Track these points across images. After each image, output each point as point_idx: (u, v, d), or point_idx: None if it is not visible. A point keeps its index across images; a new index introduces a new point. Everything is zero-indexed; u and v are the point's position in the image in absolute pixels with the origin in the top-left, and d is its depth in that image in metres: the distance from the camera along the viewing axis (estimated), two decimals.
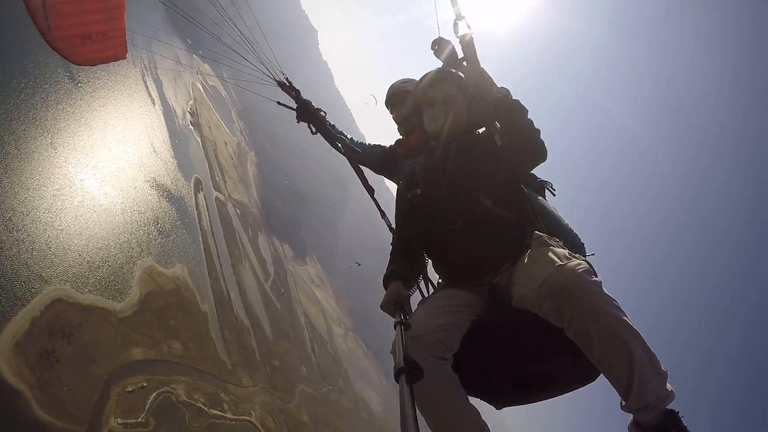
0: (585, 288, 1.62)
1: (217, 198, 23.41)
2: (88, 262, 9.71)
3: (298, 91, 3.66)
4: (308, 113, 3.58)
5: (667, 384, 1.69)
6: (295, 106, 3.63)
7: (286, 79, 3.72)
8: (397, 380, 1.22)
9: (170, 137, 18.63)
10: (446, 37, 2.77)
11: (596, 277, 1.71)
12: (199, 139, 24.32)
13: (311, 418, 21.32)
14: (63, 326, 8.37)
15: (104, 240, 10.52)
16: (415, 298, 2.34)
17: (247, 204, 30.26)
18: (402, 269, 2.29)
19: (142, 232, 12.53)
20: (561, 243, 1.97)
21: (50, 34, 3.17)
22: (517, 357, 1.95)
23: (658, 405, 1.64)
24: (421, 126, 2.55)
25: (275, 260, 31.61)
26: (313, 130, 3.66)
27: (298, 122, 3.71)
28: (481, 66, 2.51)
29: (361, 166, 3.56)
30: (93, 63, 3.68)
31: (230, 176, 29.18)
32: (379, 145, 3.52)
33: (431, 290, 2.59)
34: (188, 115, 24.05)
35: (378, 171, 3.51)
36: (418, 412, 1.25)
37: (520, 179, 2.33)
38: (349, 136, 3.65)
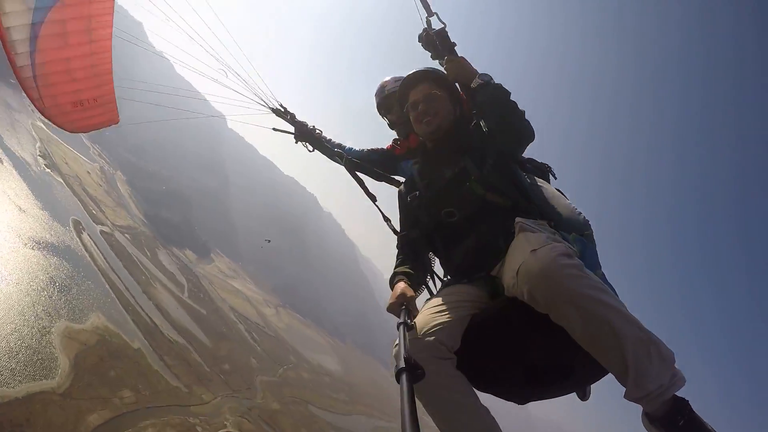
0: (557, 271, 1.54)
1: (102, 232, 21.37)
2: (5, 351, 8.65)
3: (293, 115, 3.76)
4: (305, 134, 3.66)
5: (675, 367, 1.52)
6: (291, 130, 3.69)
7: (280, 105, 3.76)
8: (398, 381, 1.23)
9: (31, 189, 16.32)
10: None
11: (574, 258, 1.62)
12: (60, 179, 21.52)
13: (281, 403, 21.93)
14: (12, 429, 7.58)
15: (11, 323, 9.32)
16: (421, 299, 2.33)
17: (133, 226, 27.79)
18: (407, 270, 2.28)
19: (44, 298, 11.19)
20: (547, 225, 1.95)
21: (42, 103, 3.15)
22: (518, 349, 1.91)
23: (663, 393, 1.48)
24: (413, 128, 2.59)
25: (183, 269, 29.80)
26: (310, 148, 3.70)
27: (296, 143, 3.78)
28: (461, 56, 2.57)
29: (362, 174, 3.52)
30: (86, 130, 3.66)
31: (106, 204, 26.28)
32: (375, 150, 3.47)
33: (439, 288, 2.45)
34: (40, 159, 20.99)
35: (377, 178, 3.40)
36: (421, 412, 1.22)
37: (510, 163, 2.27)
38: (346, 146, 3.67)
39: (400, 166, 3.29)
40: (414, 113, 2.47)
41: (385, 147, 3.40)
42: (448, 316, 1.86)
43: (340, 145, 3.63)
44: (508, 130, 2.17)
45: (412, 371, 1.27)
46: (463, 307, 1.92)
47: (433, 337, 1.77)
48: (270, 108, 3.73)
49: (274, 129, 3.79)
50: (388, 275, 2.38)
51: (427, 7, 2.78)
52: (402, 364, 1.27)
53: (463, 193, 2.22)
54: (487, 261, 2.05)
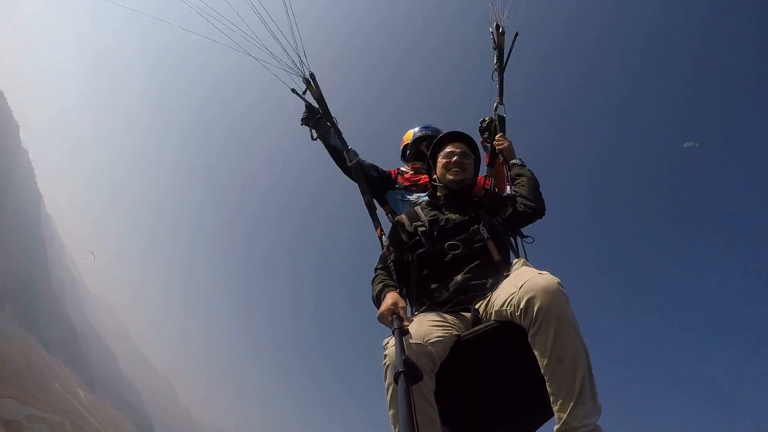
0: (557, 292, 1.82)
1: None
2: None
3: (320, 93, 3.27)
4: (325, 114, 3.27)
5: (598, 421, 1.73)
6: (312, 103, 3.28)
7: (311, 74, 3.23)
8: (396, 382, 1.27)
9: None
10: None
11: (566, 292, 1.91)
12: None
13: None
14: None
15: None
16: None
17: None
18: (395, 283, 2.49)
19: None
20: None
21: None
22: (486, 375, 2.10)
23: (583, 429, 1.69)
24: (430, 169, 2.90)
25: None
26: (315, 135, 3.35)
27: (302, 124, 3.37)
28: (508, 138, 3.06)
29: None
30: None
31: None
32: (377, 168, 3.44)
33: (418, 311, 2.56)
34: None
35: (364, 191, 3.27)
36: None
37: (516, 225, 2.68)
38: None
39: (395, 192, 3.38)
40: (446, 161, 2.77)
41: (385, 170, 3.47)
42: (442, 331, 2.05)
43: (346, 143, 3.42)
44: (536, 203, 2.67)
45: (410, 373, 1.31)
46: (452, 328, 2.12)
47: (432, 348, 1.93)
48: (302, 77, 3.21)
49: (293, 91, 3.29)
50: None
51: (501, 94, 3.21)
52: (400, 367, 1.31)
53: (470, 233, 2.51)
54: (475, 295, 2.30)
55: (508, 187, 2.88)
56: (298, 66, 3.17)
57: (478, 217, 2.57)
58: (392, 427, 1.90)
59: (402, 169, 3.57)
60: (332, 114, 3.29)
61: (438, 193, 2.84)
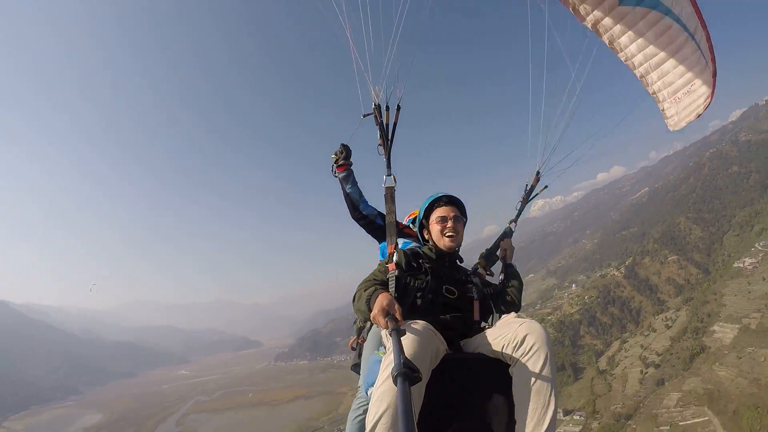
0: (548, 339, 2.25)
1: None
2: None
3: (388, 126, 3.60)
4: (385, 142, 3.51)
5: None
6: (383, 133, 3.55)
7: (398, 106, 3.59)
8: (395, 383, 1.28)
9: None
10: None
11: None
12: None
13: None
14: None
15: None
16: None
17: None
18: (384, 288, 2.60)
19: None
20: None
21: None
22: (463, 396, 2.28)
23: None
24: (423, 227, 3.18)
25: None
26: (336, 174, 3.92)
27: (333, 156, 3.93)
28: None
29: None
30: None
31: None
32: (382, 215, 3.82)
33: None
34: None
35: (372, 231, 3.89)
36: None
37: (497, 304, 3.12)
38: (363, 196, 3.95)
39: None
40: (441, 225, 3.03)
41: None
42: (438, 341, 2.30)
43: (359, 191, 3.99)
44: (519, 306, 3.19)
45: (410, 374, 1.32)
46: (444, 346, 2.37)
47: (432, 354, 2.17)
48: (376, 106, 3.57)
49: (377, 106, 3.58)
50: None
51: (517, 218, 4.10)
52: (400, 367, 1.32)
53: (466, 288, 2.91)
54: (460, 333, 2.69)
55: (501, 276, 3.47)
56: (384, 92, 3.56)
57: (472, 281, 2.99)
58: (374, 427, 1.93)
59: (411, 226, 4.01)
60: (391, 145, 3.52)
61: (427, 252, 3.07)
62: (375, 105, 3.53)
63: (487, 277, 3.45)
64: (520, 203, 4.26)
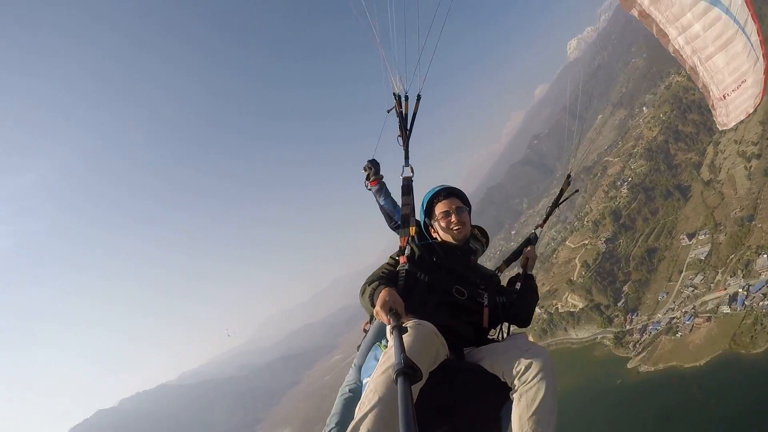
0: (551, 366, 2.22)
1: None
2: None
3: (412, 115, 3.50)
4: (404, 131, 3.44)
5: None
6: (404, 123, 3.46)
7: (406, 94, 3.49)
8: (395, 381, 1.27)
9: None
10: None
11: None
12: None
13: None
14: None
15: None
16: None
17: None
18: (390, 283, 2.51)
19: None
20: None
21: None
22: (457, 404, 2.26)
23: None
24: (427, 227, 3.13)
25: None
26: (368, 187, 3.95)
27: (364, 170, 3.98)
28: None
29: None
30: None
31: None
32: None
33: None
34: None
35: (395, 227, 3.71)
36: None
37: (505, 317, 3.00)
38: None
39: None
40: (445, 221, 2.95)
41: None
42: (439, 344, 2.24)
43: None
44: (529, 313, 3.03)
45: (410, 373, 1.29)
46: (445, 350, 2.29)
47: (431, 356, 2.12)
48: (395, 94, 3.49)
49: (395, 94, 3.53)
50: None
51: (545, 221, 4.04)
52: (401, 366, 1.30)
53: (477, 290, 2.81)
54: (467, 343, 2.61)
55: (517, 286, 3.17)
56: (404, 82, 3.43)
57: (485, 286, 2.85)
58: (364, 421, 1.86)
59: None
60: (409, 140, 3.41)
61: (438, 248, 2.94)
62: (395, 95, 3.45)
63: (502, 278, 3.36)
64: (549, 208, 4.17)
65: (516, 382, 2.22)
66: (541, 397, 2.16)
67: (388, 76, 3.43)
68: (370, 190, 3.95)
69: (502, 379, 2.29)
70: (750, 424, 51.60)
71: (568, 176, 4.27)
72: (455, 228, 2.91)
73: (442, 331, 2.31)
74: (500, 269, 3.54)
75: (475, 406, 2.31)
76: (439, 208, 2.99)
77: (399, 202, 3.34)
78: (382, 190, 3.91)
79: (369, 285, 2.51)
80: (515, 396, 2.22)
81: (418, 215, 3.23)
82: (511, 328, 3.04)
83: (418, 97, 3.45)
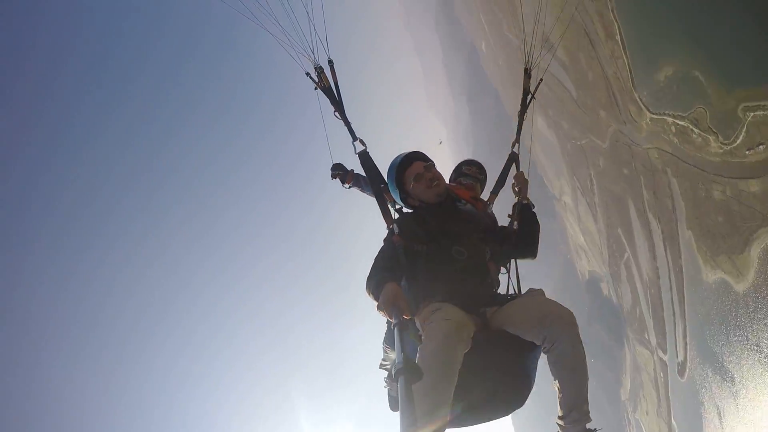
0: (575, 324, 2.25)
1: None
2: None
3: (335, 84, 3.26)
4: (337, 109, 3.26)
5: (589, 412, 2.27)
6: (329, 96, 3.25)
7: (329, 61, 3.21)
8: (396, 380, 1.26)
9: None
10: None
11: None
12: None
13: None
14: None
15: None
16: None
17: None
18: (394, 276, 2.44)
19: None
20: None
21: None
22: (492, 370, 2.30)
23: (583, 421, 2.21)
24: (405, 198, 2.91)
25: None
26: (346, 186, 3.66)
27: (332, 178, 3.70)
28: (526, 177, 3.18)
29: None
30: None
31: None
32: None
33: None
34: None
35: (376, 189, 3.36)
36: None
37: (508, 260, 2.94)
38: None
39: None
40: (421, 181, 2.80)
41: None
42: (467, 318, 2.26)
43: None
44: (534, 245, 2.95)
45: (410, 372, 1.29)
46: (468, 320, 2.28)
47: (464, 327, 2.15)
48: (316, 64, 3.21)
49: (307, 74, 3.29)
50: None
51: (518, 133, 3.58)
52: (401, 364, 1.30)
53: (476, 243, 2.70)
54: (484, 303, 2.55)
55: (515, 224, 3.04)
56: (313, 51, 3.12)
57: (485, 237, 2.79)
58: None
59: None
60: (345, 109, 3.24)
61: (422, 211, 2.87)
62: (307, 73, 3.26)
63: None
64: (517, 115, 3.68)
65: (545, 345, 2.25)
66: (570, 355, 2.23)
67: (294, 54, 3.17)
68: (349, 188, 3.76)
69: (524, 339, 2.31)
70: None
71: (526, 70, 3.71)
72: (432, 183, 2.83)
73: (456, 298, 2.37)
74: (490, 200, 3.47)
75: (505, 364, 2.35)
76: (409, 175, 2.88)
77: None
78: (360, 181, 3.71)
79: (372, 279, 2.47)
80: (547, 354, 2.29)
81: (392, 188, 3.09)
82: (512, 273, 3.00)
83: (330, 63, 3.24)
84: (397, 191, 2.97)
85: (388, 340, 2.93)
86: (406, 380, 1.25)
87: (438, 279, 2.61)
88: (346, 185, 3.75)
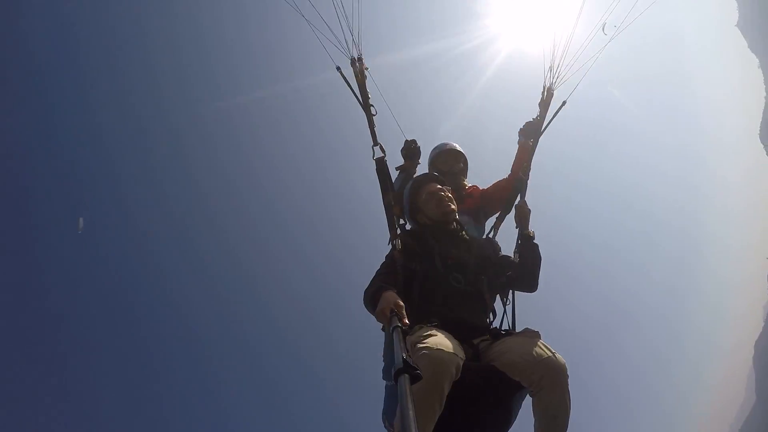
0: (566, 375, 2.20)
1: None
2: None
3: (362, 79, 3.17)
4: (363, 105, 3.17)
5: None
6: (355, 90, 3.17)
7: (359, 55, 3.13)
8: (396, 381, 1.27)
9: None
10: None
11: None
12: None
13: None
14: None
15: None
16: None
17: None
18: (391, 286, 2.43)
19: None
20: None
21: None
22: (475, 404, 2.26)
23: None
24: (414, 212, 2.97)
25: None
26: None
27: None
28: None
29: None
30: None
31: None
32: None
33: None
34: None
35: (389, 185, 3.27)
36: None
37: (508, 292, 2.86)
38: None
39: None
40: (434, 199, 2.85)
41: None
42: (460, 350, 2.19)
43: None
44: (533, 278, 2.82)
45: (410, 372, 1.30)
46: (460, 350, 2.20)
47: (455, 359, 2.07)
48: (350, 57, 3.13)
49: (338, 68, 3.17)
50: None
51: (529, 162, 3.30)
52: (401, 366, 1.31)
53: (473, 273, 2.68)
54: (478, 334, 2.50)
55: (516, 252, 2.92)
56: (347, 44, 3.02)
57: (483, 267, 2.75)
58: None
59: None
60: (371, 104, 3.13)
61: (435, 226, 2.87)
62: (338, 67, 3.11)
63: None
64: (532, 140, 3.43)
65: (526, 384, 2.23)
66: (555, 403, 2.19)
67: (328, 46, 3.02)
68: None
69: (512, 378, 2.27)
70: None
71: (547, 89, 3.31)
72: (445, 203, 2.86)
73: (450, 323, 2.38)
74: (496, 227, 3.43)
75: (490, 399, 2.32)
76: (426, 190, 2.93)
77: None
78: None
79: (369, 290, 2.50)
80: (533, 397, 2.25)
81: (405, 205, 3.10)
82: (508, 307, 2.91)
83: (360, 59, 3.13)
84: (409, 203, 3.01)
85: (387, 354, 2.74)
86: (407, 381, 1.25)
87: (433, 302, 2.57)
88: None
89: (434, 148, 3.79)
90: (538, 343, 2.37)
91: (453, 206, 2.89)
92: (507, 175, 3.62)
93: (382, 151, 3.11)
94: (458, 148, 3.76)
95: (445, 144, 3.78)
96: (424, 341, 2.10)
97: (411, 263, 2.68)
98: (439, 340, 2.14)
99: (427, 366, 1.98)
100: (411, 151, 3.57)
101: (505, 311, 2.84)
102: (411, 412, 1.08)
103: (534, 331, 2.48)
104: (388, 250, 2.86)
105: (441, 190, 2.91)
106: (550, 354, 2.25)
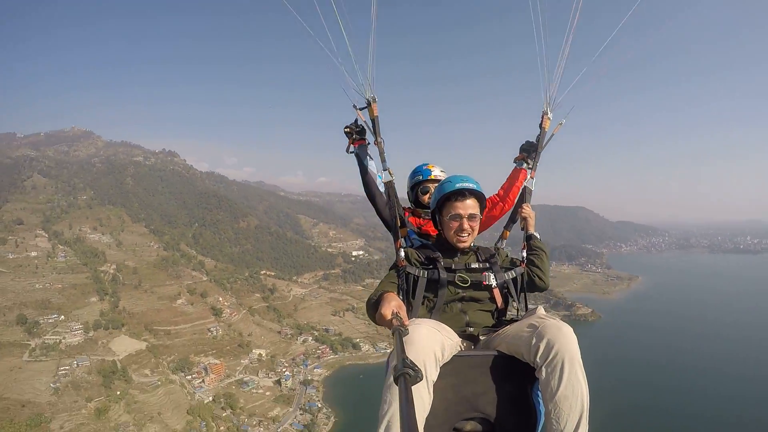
0: (574, 342, 2.12)
1: None
2: None
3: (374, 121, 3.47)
4: (374, 135, 3.44)
5: None
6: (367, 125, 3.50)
7: (373, 97, 3.44)
8: (396, 382, 1.27)
9: None
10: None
11: None
12: None
13: None
14: None
15: None
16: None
17: None
18: (392, 290, 2.52)
19: None
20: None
21: None
22: (475, 396, 2.21)
23: None
24: (436, 222, 2.96)
25: None
26: (350, 150, 3.65)
27: (345, 130, 3.63)
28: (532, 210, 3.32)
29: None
30: None
31: None
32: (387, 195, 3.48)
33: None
34: None
35: (389, 210, 3.40)
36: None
37: (523, 287, 2.88)
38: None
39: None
40: (456, 224, 2.78)
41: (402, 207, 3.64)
42: (453, 336, 2.29)
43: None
44: (547, 283, 3.00)
45: (411, 374, 1.30)
46: (454, 342, 2.31)
47: (446, 343, 2.16)
48: (366, 97, 3.45)
49: (354, 106, 3.50)
50: None
51: (534, 168, 3.65)
52: (401, 367, 1.31)
53: (481, 278, 2.71)
54: (480, 331, 2.57)
55: (524, 252, 3.09)
56: (364, 87, 3.39)
57: (489, 265, 2.78)
58: (381, 424, 1.96)
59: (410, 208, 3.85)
60: (381, 136, 3.44)
61: (438, 244, 2.95)
62: (368, 98, 3.40)
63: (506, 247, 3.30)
64: (534, 153, 3.70)
65: (537, 361, 2.17)
66: (567, 373, 2.08)
67: (350, 83, 3.39)
68: (350, 153, 3.70)
69: (523, 360, 2.25)
70: None
71: (544, 113, 3.69)
72: (461, 236, 2.81)
73: (459, 325, 2.47)
74: (503, 236, 3.53)
75: (501, 391, 2.27)
76: (451, 210, 2.82)
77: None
78: (364, 150, 3.67)
79: (372, 298, 2.51)
80: (540, 377, 2.17)
81: (433, 203, 3.09)
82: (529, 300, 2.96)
83: (374, 99, 3.44)
84: (434, 207, 2.95)
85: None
86: (407, 382, 1.27)
87: (439, 305, 2.64)
88: (352, 148, 3.65)
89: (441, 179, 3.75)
90: (538, 314, 2.39)
91: (468, 242, 2.85)
92: (494, 195, 3.82)
93: (390, 174, 3.32)
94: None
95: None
96: (410, 321, 2.19)
97: (416, 270, 2.73)
98: (427, 321, 2.24)
99: (412, 329, 2.10)
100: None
101: (518, 309, 2.83)
102: (411, 414, 1.09)
103: (534, 307, 2.54)
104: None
105: (464, 216, 2.80)
106: (544, 322, 2.22)
